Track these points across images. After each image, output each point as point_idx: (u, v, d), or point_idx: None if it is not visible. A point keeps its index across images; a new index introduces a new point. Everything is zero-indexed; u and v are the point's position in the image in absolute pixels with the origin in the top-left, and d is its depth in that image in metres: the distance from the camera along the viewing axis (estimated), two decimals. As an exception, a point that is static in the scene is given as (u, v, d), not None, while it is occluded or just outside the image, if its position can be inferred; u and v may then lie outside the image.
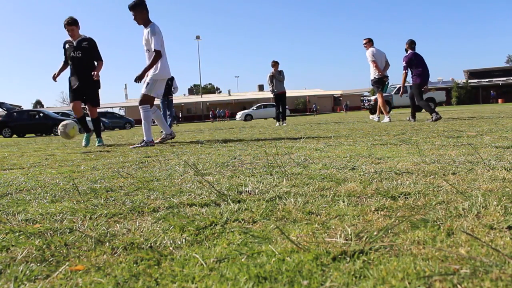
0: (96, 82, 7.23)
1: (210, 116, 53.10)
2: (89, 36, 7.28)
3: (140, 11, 6.23)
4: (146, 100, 6.43)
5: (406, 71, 10.22)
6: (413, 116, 10.25)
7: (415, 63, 10.01)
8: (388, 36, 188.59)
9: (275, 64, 13.33)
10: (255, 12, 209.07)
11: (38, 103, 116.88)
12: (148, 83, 6.38)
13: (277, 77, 13.30)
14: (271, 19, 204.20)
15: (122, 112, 71.18)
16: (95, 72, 7.07)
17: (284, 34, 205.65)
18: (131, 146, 6.41)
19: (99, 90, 7.40)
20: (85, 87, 7.13)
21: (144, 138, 6.40)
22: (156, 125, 6.96)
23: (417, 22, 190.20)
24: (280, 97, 13.52)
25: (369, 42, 11.06)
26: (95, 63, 7.25)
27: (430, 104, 10.19)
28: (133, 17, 6.29)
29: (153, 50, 6.25)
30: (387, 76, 10.94)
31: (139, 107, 6.51)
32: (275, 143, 5.31)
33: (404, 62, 10.06)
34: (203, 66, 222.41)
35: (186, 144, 6.23)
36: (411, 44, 10.13)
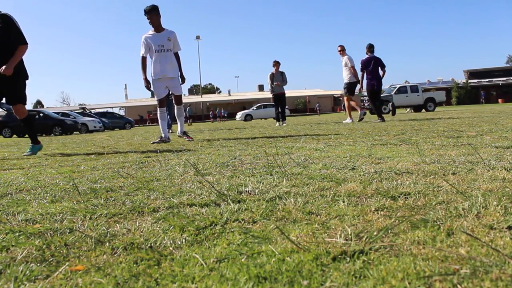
0: (16, 73, 5.42)
1: (210, 116, 53.04)
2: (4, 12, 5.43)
3: (156, 15, 6.84)
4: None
5: (362, 72, 11.32)
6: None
7: (369, 67, 11.15)
8: (388, 35, 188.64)
9: (276, 64, 13.33)
10: (255, 12, 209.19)
11: (39, 103, 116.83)
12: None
13: (277, 78, 13.29)
14: (271, 19, 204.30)
15: (122, 112, 71.22)
16: (9, 63, 5.28)
17: (284, 34, 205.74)
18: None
19: (26, 81, 5.69)
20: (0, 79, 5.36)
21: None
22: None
23: (417, 21, 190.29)
24: (279, 97, 13.51)
25: (344, 50, 12.09)
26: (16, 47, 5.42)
27: (383, 107, 12.08)
28: (149, 20, 6.85)
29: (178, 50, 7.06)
30: (358, 81, 11.80)
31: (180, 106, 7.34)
32: (275, 143, 5.31)
33: (361, 64, 11.26)
34: (203, 66, 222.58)
35: (186, 144, 6.23)
36: (370, 48, 11.21)
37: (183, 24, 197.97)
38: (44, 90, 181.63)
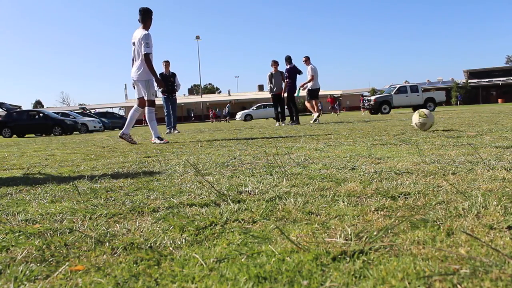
0: None
1: (210, 116, 52.79)
2: None
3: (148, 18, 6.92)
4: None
5: (287, 80, 13.20)
6: (295, 120, 13.24)
7: (289, 76, 13.11)
8: (387, 35, 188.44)
9: (274, 64, 13.33)
10: (255, 12, 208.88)
11: (38, 103, 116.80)
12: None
13: (276, 78, 13.28)
14: (271, 19, 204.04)
15: (122, 112, 71.21)
16: None
17: (284, 34, 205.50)
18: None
19: None
20: None
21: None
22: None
23: (417, 21, 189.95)
24: (278, 97, 13.49)
25: (308, 60, 13.69)
26: None
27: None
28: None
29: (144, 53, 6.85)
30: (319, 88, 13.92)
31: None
32: (275, 143, 5.31)
33: (286, 73, 13.27)
34: (203, 66, 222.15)
35: (186, 144, 6.23)
36: (288, 59, 13.28)
37: (183, 24, 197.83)
38: (44, 90, 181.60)
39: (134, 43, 6.83)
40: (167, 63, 12.71)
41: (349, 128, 8.16)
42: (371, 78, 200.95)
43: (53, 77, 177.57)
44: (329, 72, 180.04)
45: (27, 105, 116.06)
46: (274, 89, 13.34)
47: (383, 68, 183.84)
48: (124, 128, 7.09)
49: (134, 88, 7.06)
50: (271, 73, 13.36)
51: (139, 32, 6.77)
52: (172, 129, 12.37)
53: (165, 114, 12.48)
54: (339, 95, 79.07)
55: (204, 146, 5.59)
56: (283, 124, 13.13)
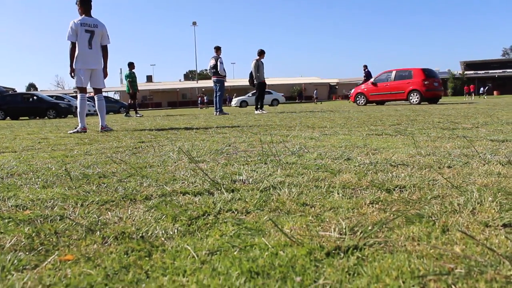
0: None
1: (199, 102, 51.46)
2: None
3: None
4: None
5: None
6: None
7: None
8: (385, 25, 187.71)
9: (262, 53, 13.27)
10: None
11: (32, 86, 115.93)
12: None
13: (261, 67, 13.20)
14: (268, 6, 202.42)
15: (116, 97, 70.74)
16: None
17: (280, 21, 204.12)
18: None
19: None
20: None
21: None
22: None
23: (414, 12, 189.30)
24: (263, 85, 13.43)
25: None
26: None
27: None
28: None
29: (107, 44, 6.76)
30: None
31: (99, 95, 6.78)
32: (270, 131, 5.28)
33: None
34: (199, 52, 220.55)
35: (181, 130, 6.19)
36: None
37: (179, 10, 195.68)
38: (38, 74, 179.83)
39: (91, 31, 6.47)
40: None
41: (344, 117, 8.14)
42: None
43: (47, 60, 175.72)
44: (325, 60, 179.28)
45: (21, 88, 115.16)
46: (261, 78, 13.28)
47: (380, 58, 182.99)
48: (101, 121, 6.80)
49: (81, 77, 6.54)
50: (258, 62, 13.25)
51: (97, 21, 6.58)
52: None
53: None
54: (335, 84, 78.93)
55: (198, 133, 5.56)
56: (264, 112, 13.02)
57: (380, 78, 20.03)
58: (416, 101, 17.96)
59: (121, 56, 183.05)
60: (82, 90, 6.50)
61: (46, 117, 22.71)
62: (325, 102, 41.05)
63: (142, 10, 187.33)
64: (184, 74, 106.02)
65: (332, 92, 77.61)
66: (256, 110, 13.25)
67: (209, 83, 13.88)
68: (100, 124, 6.75)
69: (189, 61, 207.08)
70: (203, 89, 71.69)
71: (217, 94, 12.91)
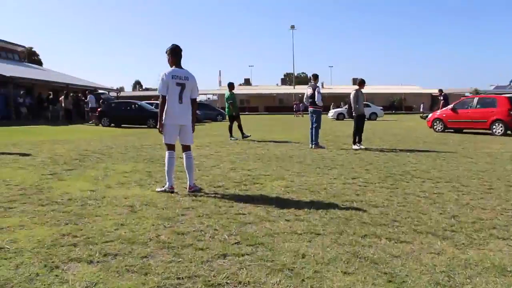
0: None
1: (294, 109, 49.61)
2: None
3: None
4: None
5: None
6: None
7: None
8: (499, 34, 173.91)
9: (362, 82, 12.35)
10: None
11: (138, 83, 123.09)
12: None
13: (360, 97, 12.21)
14: (368, 10, 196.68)
15: (215, 98, 71.96)
16: None
17: (382, 25, 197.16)
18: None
19: None
20: None
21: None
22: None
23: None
24: (363, 117, 12.41)
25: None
26: None
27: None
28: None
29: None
30: None
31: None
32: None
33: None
34: (296, 55, 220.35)
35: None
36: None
37: (277, 12, 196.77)
38: (143, 70, 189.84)
39: (182, 84, 5.94)
40: None
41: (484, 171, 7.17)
42: (473, 78, 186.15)
43: (153, 55, 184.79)
44: (426, 69, 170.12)
45: (128, 87, 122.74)
46: (361, 110, 12.32)
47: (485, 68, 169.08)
48: (189, 180, 6.09)
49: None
50: (357, 92, 12.21)
51: (188, 73, 6.06)
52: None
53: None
54: (437, 93, 74.41)
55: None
56: (363, 147, 11.97)
57: (460, 104, 18.83)
58: (499, 132, 16.70)
59: (222, 58, 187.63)
60: (171, 147, 6.03)
61: (146, 126, 23.41)
62: (410, 118, 38.54)
63: (243, 10, 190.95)
64: (282, 78, 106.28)
65: (434, 103, 73.11)
66: (354, 144, 12.22)
67: (305, 88, 13.07)
68: (188, 184, 6.07)
69: (287, 62, 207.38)
70: (300, 95, 71.38)
71: (313, 126, 12.16)
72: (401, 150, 11.30)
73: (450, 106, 19.30)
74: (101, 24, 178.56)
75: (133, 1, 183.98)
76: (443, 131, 18.84)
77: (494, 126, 16.96)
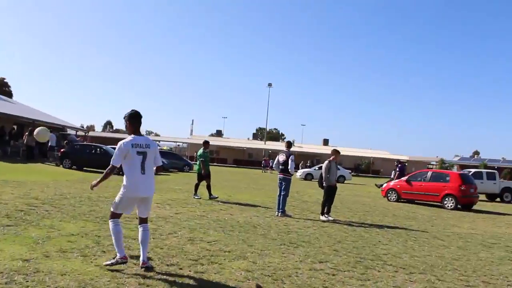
0: None
1: (262, 165, 49.88)
2: None
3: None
4: None
5: None
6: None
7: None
8: (461, 104, 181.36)
9: (336, 152, 12.09)
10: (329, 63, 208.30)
11: (109, 123, 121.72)
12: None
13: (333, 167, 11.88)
14: (344, 71, 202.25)
15: (185, 146, 71.11)
16: None
17: (355, 88, 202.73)
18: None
19: None
20: None
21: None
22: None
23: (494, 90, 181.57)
24: (333, 189, 12.02)
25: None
26: None
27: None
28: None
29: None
30: None
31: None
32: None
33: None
34: (270, 110, 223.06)
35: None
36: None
37: (254, 69, 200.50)
38: (115, 112, 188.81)
39: (143, 152, 5.39)
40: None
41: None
42: (439, 147, 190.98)
43: (126, 97, 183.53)
44: (394, 135, 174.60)
45: (98, 126, 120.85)
46: (332, 181, 11.94)
47: (451, 139, 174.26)
48: (142, 255, 5.42)
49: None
50: (330, 163, 11.84)
51: (148, 139, 5.59)
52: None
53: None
54: (405, 161, 75.72)
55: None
56: (331, 219, 11.49)
57: (414, 176, 19.91)
58: (451, 206, 17.58)
59: (196, 107, 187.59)
60: (117, 216, 5.38)
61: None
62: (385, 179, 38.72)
63: (217, 61, 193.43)
64: (253, 133, 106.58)
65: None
66: (322, 215, 11.71)
67: (276, 145, 12.66)
68: (141, 258, 5.38)
69: (260, 116, 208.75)
70: (270, 151, 71.48)
71: (282, 194, 11.67)
72: (370, 225, 10.91)
73: (404, 178, 20.23)
74: (77, 61, 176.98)
75: (113, 46, 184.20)
76: (397, 201, 19.43)
77: (445, 200, 17.78)
